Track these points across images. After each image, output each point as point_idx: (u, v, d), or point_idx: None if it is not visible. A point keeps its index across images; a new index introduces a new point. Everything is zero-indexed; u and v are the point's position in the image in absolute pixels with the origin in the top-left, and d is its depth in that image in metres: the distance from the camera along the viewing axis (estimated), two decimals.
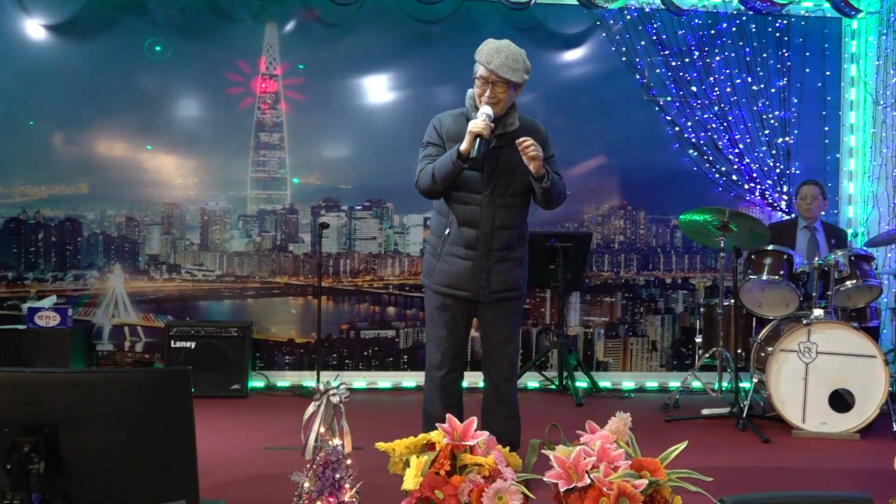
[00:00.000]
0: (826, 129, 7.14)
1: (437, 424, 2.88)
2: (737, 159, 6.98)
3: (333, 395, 3.31)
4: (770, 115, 6.99)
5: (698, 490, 2.70)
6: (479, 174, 3.87)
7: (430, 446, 2.87)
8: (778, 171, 7.00)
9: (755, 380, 5.65)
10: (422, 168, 3.94)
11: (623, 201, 7.13)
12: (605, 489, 2.61)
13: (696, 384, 6.38)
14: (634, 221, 7.15)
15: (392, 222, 6.96)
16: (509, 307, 4.02)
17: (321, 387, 3.34)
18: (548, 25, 6.93)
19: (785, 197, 6.96)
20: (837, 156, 7.19)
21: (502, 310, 4.01)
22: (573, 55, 6.98)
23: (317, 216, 6.83)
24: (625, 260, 7.14)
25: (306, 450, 3.25)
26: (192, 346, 6.21)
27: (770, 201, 7.00)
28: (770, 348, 5.46)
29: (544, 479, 2.70)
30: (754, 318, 6.02)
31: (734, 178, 7.01)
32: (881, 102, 6.95)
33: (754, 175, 6.99)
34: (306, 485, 3.13)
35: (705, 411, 5.72)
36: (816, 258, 5.58)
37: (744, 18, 6.94)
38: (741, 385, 5.62)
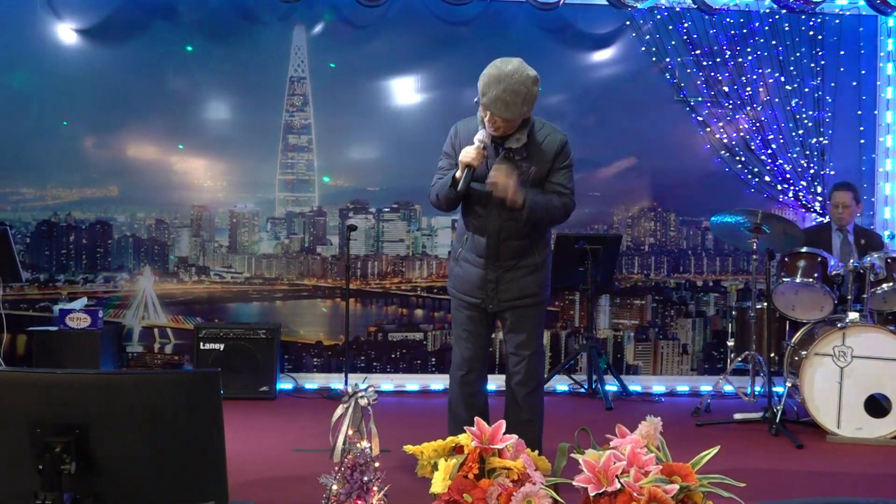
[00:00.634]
0: (861, 129, 7.03)
1: (465, 427, 2.87)
2: (770, 160, 6.88)
3: (361, 397, 3.30)
4: (804, 115, 6.89)
5: (730, 496, 2.66)
6: (486, 187, 3.84)
7: (458, 449, 2.86)
8: (812, 172, 6.90)
9: (789, 384, 5.58)
10: (433, 183, 4.00)
11: (653, 203, 7.06)
12: (635, 494, 2.58)
13: (728, 388, 6.30)
14: (665, 223, 7.08)
15: (420, 224, 6.95)
16: (526, 312, 4.01)
17: (349, 389, 3.34)
18: (577, 26, 6.88)
19: (819, 198, 6.86)
20: (873, 156, 7.07)
21: (518, 315, 4.01)
22: (603, 55, 6.93)
23: (345, 218, 6.83)
24: (655, 262, 7.07)
25: (334, 452, 3.24)
26: (221, 348, 6.22)
27: (804, 203, 6.90)
28: (804, 352, 5.39)
29: (574, 483, 2.68)
30: (787, 322, 5.93)
31: (767, 179, 6.92)
32: None
33: (788, 176, 6.89)
34: (334, 487, 3.11)
35: (737, 416, 5.66)
36: (851, 261, 5.49)
37: (777, 17, 6.84)
38: (774, 389, 5.56)
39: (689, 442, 4.85)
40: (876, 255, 5.44)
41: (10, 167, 6.62)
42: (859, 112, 7.02)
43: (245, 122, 6.81)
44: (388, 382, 6.73)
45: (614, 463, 2.65)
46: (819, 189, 6.87)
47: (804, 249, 5.62)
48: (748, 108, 6.86)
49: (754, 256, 5.60)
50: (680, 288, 7.07)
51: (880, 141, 7.07)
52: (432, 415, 5.70)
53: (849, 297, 5.44)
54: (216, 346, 6.23)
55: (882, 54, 7.04)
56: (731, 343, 6.19)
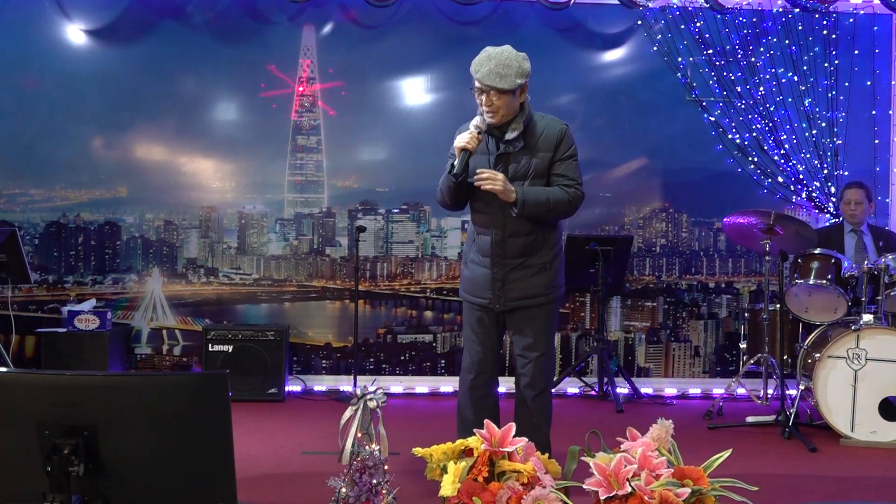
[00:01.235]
0: (876, 129, 6.96)
1: (474, 430, 2.85)
2: (782, 161, 6.83)
3: (370, 399, 3.29)
4: (817, 116, 6.82)
5: (743, 500, 2.64)
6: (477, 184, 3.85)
7: (467, 452, 2.84)
8: (825, 172, 6.83)
9: (802, 387, 5.55)
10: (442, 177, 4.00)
11: (665, 204, 7.01)
12: (646, 498, 2.56)
13: (741, 391, 6.27)
14: (677, 224, 7.03)
15: (429, 226, 6.92)
16: (533, 313, 3.98)
17: (358, 391, 3.32)
18: (588, 25, 6.84)
19: (833, 199, 6.79)
20: (888, 157, 7.00)
21: (526, 316, 3.98)
22: (614, 55, 6.88)
23: (354, 219, 6.81)
24: (667, 264, 7.02)
25: (343, 454, 3.23)
26: (230, 350, 6.21)
27: (817, 204, 6.84)
28: (817, 354, 5.35)
29: (584, 486, 2.66)
30: (801, 324, 5.89)
31: (780, 179, 6.86)
32: None
33: (801, 177, 6.83)
34: (343, 490, 3.09)
35: (750, 419, 5.62)
36: (866, 262, 5.44)
37: (790, 16, 6.78)
38: (787, 392, 5.50)
39: (701, 445, 4.82)
40: (891, 257, 5.40)
41: (18, 168, 6.63)
42: (874, 112, 6.94)
43: (254, 123, 6.79)
44: (397, 385, 6.70)
45: (625, 466, 2.63)
46: (832, 190, 6.81)
47: (817, 251, 5.58)
48: (761, 108, 6.80)
49: (767, 258, 5.56)
50: (692, 289, 7.02)
51: (894, 141, 7.00)
52: (442, 417, 5.67)
53: (863, 299, 5.39)
54: (225, 347, 6.21)
55: None
56: (743, 345, 6.18)
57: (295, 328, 6.72)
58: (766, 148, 6.83)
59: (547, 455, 3.01)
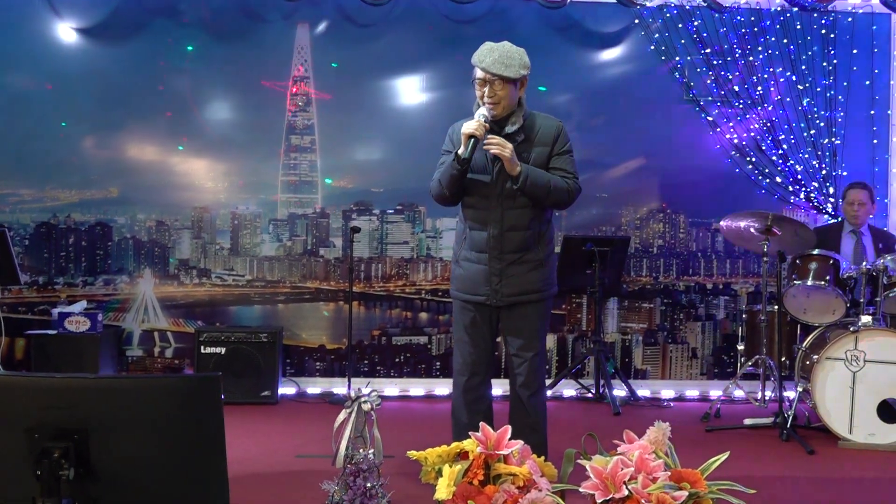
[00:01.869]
0: (874, 129, 6.93)
1: (469, 432, 2.83)
2: (781, 161, 6.79)
3: (365, 402, 3.26)
4: (815, 115, 6.79)
5: (740, 503, 2.64)
6: (487, 177, 3.89)
7: (463, 455, 2.82)
8: (824, 172, 6.80)
9: (800, 389, 5.54)
10: (436, 172, 4.00)
11: (662, 204, 6.98)
12: (643, 501, 2.57)
13: (739, 393, 6.25)
14: (674, 225, 6.99)
15: (425, 226, 6.88)
16: (529, 311, 3.98)
17: (352, 394, 3.29)
18: (584, 24, 6.80)
19: (831, 200, 6.76)
20: (887, 157, 6.97)
21: (521, 314, 3.98)
22: (611, 54, 6.84)
23: (348, 220, 6.76)
24: (664, 265, 6.98)
25: (337, 458, 3.20)
26: (222, 352, 6.16)
27: (815, 204, 6.81)
28: (815, 356, 5.33)
29: (580, 489, 2.66)
30: (799, 325, 5.86)
31: (778, 180, 6.83)
32: None
33: (799, 177, 6.80)
34: (337, 493, 3.05)
35: (748, 421, 5.60)
36: (864, 263, 5.42)
37: (788, 15, 6.76)
38: (785, 394, 5.52)
39: (699, 447, 4.81)
40: (889, 258, 5.38)
41: (9, 168, 6.57)
42: (872, 112, 6.92)
43: (247, 123, 6.74)
44: (391, 387, 6.65)
45: (622, 469, 2.64)
46: (831, 190, 6.78)
47: (816, 252, 5.57)
48: (759, 107, 6.77)
49: (765, 259, 5.53)
50: (689, 291, 6.98)
51: (894, 141, 6.97)
52: (437, 420, 5.63)
53: (861, 301, 5.36)
54: (217, 349, 6.16)
55: (895, 53, 6.94)
56: (741, 347, 6.15)
57: (288, 330, 6.66)
58: (764, 148, 6.80)
59: (543, 457, 2.99)
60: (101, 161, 6.63)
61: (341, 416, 3.28)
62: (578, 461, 2.80)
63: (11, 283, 5.97)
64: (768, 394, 5.87)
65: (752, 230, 5.54)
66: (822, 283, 5.45)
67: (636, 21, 6.77)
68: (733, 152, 6.83)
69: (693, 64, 6.77)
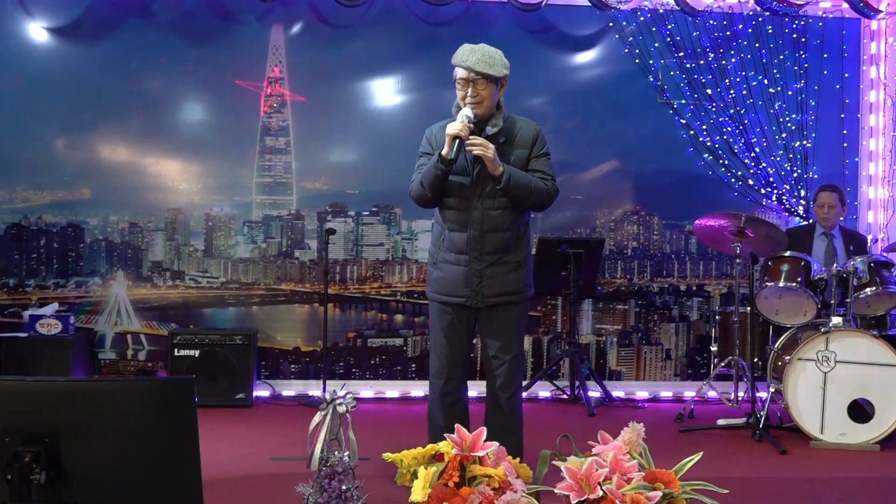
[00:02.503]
0: (845, 132, 7.01)
1: (445, 434, 2.82)
2: (753, 163, 6.86)
3: (340, 404, 3.24)
4: (787, 119, 6.86)
5: (713, 502, 2.66)
6: (467, 178, 3.89)
7: (438, 457, 2.82)
8: (795, 175, 6.87)
9: (772, 389, 5.58)
10: (413, 178, 3.99)
11: (636, 206, 7.01)
12: (617, 501, 2.58)
13: (712, 394, 6.28)
14: (648, 227, 7.03)
15: (400, 228, 6.87)
16: (508, 312, 3.99)
17: (327, 396, 3.27)
18: (559, 27, 6.83)
19: (802, 202, 6.84)
20: (857, 159, 7.06)
21: (500, 315, 3.98)
22: (585, 57, 6.88)
23: (323, 222, 6.74)
24: (638, 266, 7.01)
25: (312, 460, 3.18)
26: (196, 355, 6.11)
27: (787, 206, 6.88)
28: (787, 357, 5.37)
29: (555, 490, 2.66)
30: (771, 326, 5.91)
31: (750, 182, 6.89)
32: None
33: (771, 179, 6.87)
34: (312, 496, 3.04)
35: (721, 422, 5.63)
36: (835, 265, 5.46)
37: (760, 19, 6.83)
38: (758, 395, 5.53)
39: (673, 448, 4.80)
40: (859, 260, 5.43)
41: None
42: (842, 115, 7.01)
43: (221, 124, 6.70)
44: (367, 389, 6.64)
45: (596, 470, 2.65)
46: (802, 192, 6.85)
47: (788, 254, 5.61)
48: (731, 110, 6.83)
49: (737, 260, 5.56)
50: (663, 292, 7.02)
51: (864, 144, 7.06)
52: (412, 422, 5.62)
53: (832, 302, 5.41)
54: (191, 352, 6.12)
55: (865, 57, 7.03)
56: (714, 348, 6.17)
57: (263, 332, 6.63)
58: (736, 150, 6.86)
59: (519, 459, 2.99)
60: (73, 162, 6.56)
61: (316, 418, 3.26)
62: (553, 462, 2.81)
63: None
64: (741, 394, 5.91)
65: (725, 232, 5.58)
66: (794, 284, 5.49)
67: (610, 24, 6.80)
68: (706, 154, 6.88)
69: (667, 67, 6.82)
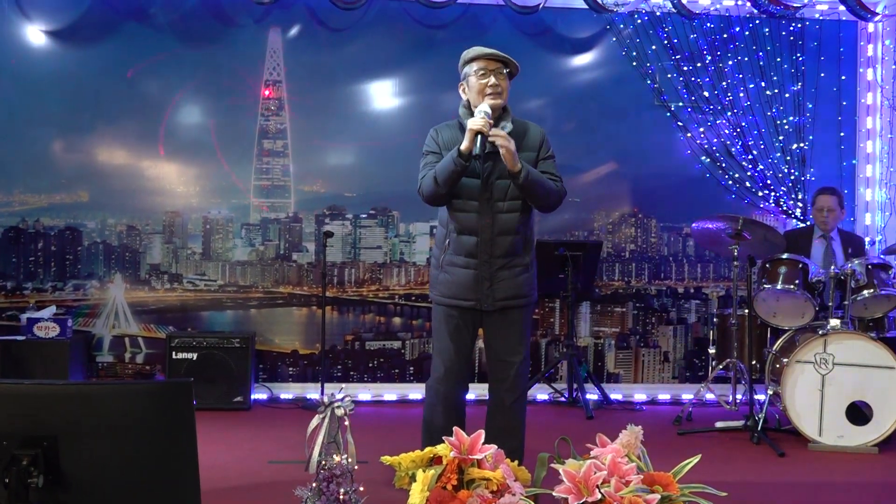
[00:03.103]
0: (842, 134, 7.01)
1: (443, 438, 2.81)
2: (750, 166, 6.85)
3: (338, 407, 3.23)
4: (784, 121, 6.86)
5: None
6: (476, 181, 3.86)
7: (436, 460, 2.81)
8: (793, 177, 6.87)
9: (770, 392, 5.58)
10: (423, 175, 3.93)
11: (634, 209, 7.01)
12: None
13: (710, 396, 6.28)
14: (646, 229, 7.02)
15: (398, 231, 6.86)
16: (516, 316, 3.96)
17: (325, 399, 3.26)
18: (557, 30, 6.83)
19: (800, 204, 6.83)
20: (854, 162, 7.06)
21: (508, 319, 3.95)
22: (583, 60, 6.87)
23: (321, 224, 6.73)
24: (636, 269, 7.01)
25: (310, 463, 3.17)
26: (194, 358, 6.10)
27: (785, 209, 6.87)
28: (785, 359, 5.37)
29: (554, 493, 2.66)
30: (769, 329, 5.91)
31: (748, 184, 6.89)
32: None
33: (768, 182, 6.86)
34: (311, 499, 3.03)
35: (719, 424, 5.63)
36: (833, 267, 5.46)
37: (757, 22, 6.82)
38: (756, 397, 5.52)
39: (671, 451, 4.80)
40: (857, 262, 5.43)
41: None
42: (839, 117, 7.00)
43: (219, 126, 6.68)
44: (365, 392, 6.62)
45: (595, 473, 2.64)
46: (800, 195, 6.85)
47: (785, 256, 5.61)
48: (729, 113, 6.83)
49: (735, 263, 5.56)
50: (661, 295, 7.02)
51: (861, 146, 7.06)
52: (410, 425, 5.59)
53: (830, 304, 5.41)
54: (189, 355, 6.10)
55: (862, 59, 7.03)
56: (712, 350, 6.17)
57: (261, 335, 6.61)
58: (733, 153, 6.86)
59: (518, 462, 2.99)
60: (71, 165, 6.55)
61: (314, 421, 3.25)
62: (552, 465, 2.80)
63: None
64: (739, 397, 5.91)
65: (722, 234, 5.57)
66: (792, 286, 5.49)
67: (608, 27, 6.80)
68: (704, 157, 6.88)
69: (664, 69, 6.82)
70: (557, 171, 4.00)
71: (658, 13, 6.77)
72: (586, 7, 6.54)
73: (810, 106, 6.91)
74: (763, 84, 6.85)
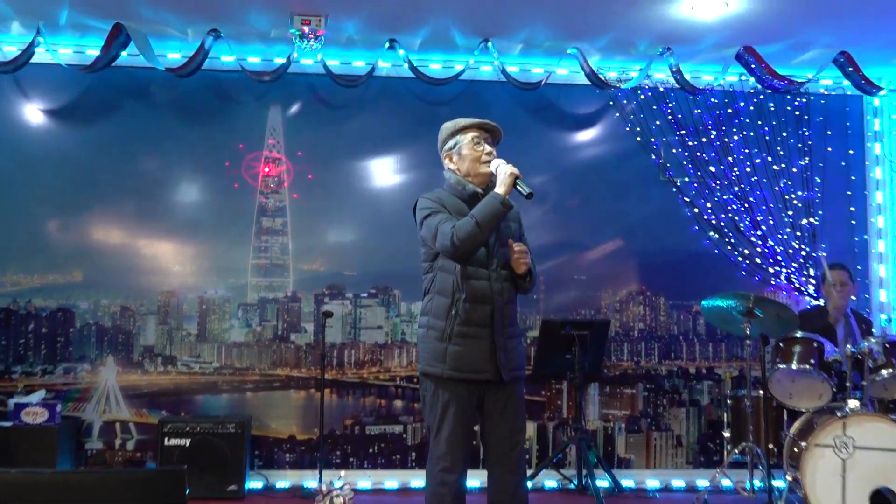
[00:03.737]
0: (852, 209, 6.95)
1: None
2: (760, 242, 6.74)
3: (337, 496, 3.12)
4: (793, 196, 6.80)
5: None
6: (483, 249, 3.74)
7: None
8: (804, 253, 6.76)
9: (789, 478, 5.35)
10: (450, 223, 3.68)
11: (642, 286, 6.87)
12: None
13: (727, 483, 6.02)
14: (654, 307, 6.87)
15: (399, 310, 6.71)
16: (519, 389, 3.83)
17: (324, 487, 3.14)
18: (559, 105, 6.81)
19: (812, 281, 6.69)
20: (865, 237, 6.95)
21: (514, 392, 3.79)
22: (586, 135, 6.84)
23: (320, 304, 6.60)
24: (645, 348, 6.84)
25: None
26: (187, 444, 5.92)
27: (797, 285, 6.73)
28: (803, 443, 5.16)
29: None
30: (785, 411, 5.70)
31: (758, 261, 6.77)
32: None
33: (779, 258, 6.75)
34: None
35: None
36: (849, 346, 5.30)
37: (761, 97, 6.83)
38: (774, 483, 5.33)
39: None
40: (874, 340, 5.30)
41: None
42: (849, 192, 6.96)
43: (217, 205, 6.61)
44: (365, 479, 6.38)
45: None
46: (811, 271, 6.73)
47: (799, 334, 5.49)
48: (736, 188, 6.75)
49: (748, 342, 5.41)
50: (672, 375, 6.83)
51: (871, 221, 6.98)
52: None
53: (848, 385, 5.23)
54: (182, 441, 5.92)
55: (869, 134, 7.04)
56: (727, 434, 5.95)
57: (257, 419, 6.42)
58: (742, 229, 6.76)
59: None
60: (65, 244, 6.46)
61: None
62: None
63: None
64: (757, 483, 5.67)
65: (733, 312, 5.44)
66: (808, 366, 5.37)
67: (611, 102, 6.80)
68: (712, 233, 6.79)
69: (669, 144, 6.79)
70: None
71: (661, 88, 6.77)
72: (589, 83, 6.52)
73: (819, 180, 6.85)
74: (770, 159, 6.80)
